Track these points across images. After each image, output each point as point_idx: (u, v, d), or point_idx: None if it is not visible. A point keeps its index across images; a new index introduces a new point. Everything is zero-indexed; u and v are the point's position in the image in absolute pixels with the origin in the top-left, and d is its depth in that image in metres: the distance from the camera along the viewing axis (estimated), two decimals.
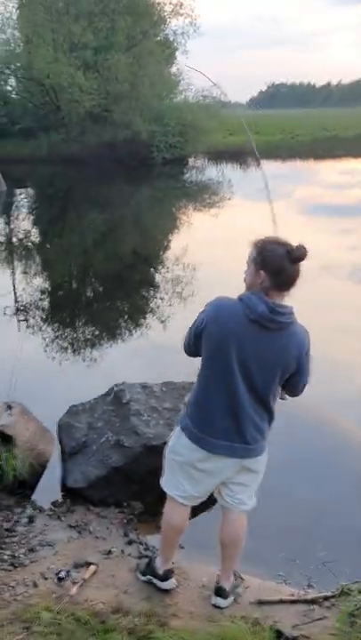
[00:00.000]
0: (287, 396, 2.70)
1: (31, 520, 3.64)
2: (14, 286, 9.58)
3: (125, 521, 3.69)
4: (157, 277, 10.49)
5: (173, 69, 33.13)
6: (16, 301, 8.67)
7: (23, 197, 22.04)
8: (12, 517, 3.66)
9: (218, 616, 2.89)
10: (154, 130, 27.46)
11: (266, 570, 3.31)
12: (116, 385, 4.29)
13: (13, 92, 32.22)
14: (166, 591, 3.02)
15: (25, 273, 10.75)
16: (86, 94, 27.30)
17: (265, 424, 2.65)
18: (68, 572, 3.08)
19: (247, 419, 2.57)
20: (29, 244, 13.86)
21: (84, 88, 27.19)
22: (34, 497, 3.92)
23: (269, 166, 31.74)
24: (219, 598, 2.95)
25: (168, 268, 10.80)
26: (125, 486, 3.82)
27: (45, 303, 8.99)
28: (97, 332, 7.75)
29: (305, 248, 2.44)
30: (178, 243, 13.16)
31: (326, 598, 3.05)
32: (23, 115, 29.54)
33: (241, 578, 3.12)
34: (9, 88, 31.93)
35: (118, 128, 27.54)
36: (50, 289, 9.90)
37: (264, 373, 2.51)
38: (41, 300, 9.03)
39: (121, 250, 12.90)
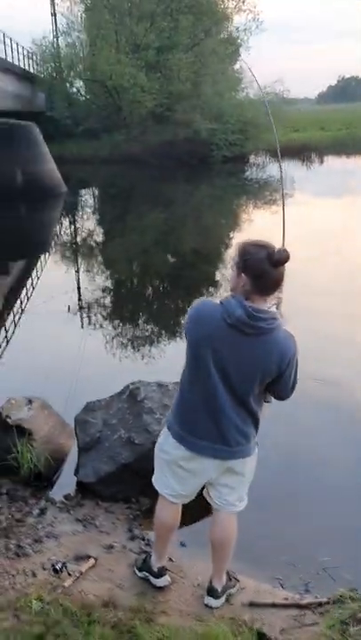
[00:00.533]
0: (272, 398, 2.67)
1: (42, 512, 3.76)
2: (76, 284, 9.88)
3: (132, 517, 3.76)
4: (217, 276, 10.50)
5: (237, 66, 32.98)
6: (79, 299, 8.95)
7: (86, 197, 22.63)
8: (25, 508, 3.79)
9: (207, 616, 2.90)
10: (214, 128, 27.44)
11: (264, 572, 3.29)
12: (132, 383, 4.35)
13: (79, 94, 33.06)
14: (160, 588, 3.06)
15: (87, 271, 11.10)
16: (148, 94, 27.65)
17: (249, 428, 2.63)
18: (64, 563, 3.17)
19: (228, 421, 2.56)
20: (92, 242, 14.24)
21: (145, 88, 27.56)
22: (48, 490, 4.04)
23: (334, 162, 31.15)
24: (210, 598, 2.96)
25: (228, 266, 10.79)
26: (134, 483, 3.87)
27: (105, 301, 9.23)
28: (148, 330, 7.91)
29: (286, 251, 2.40)
30: (239, 241, 13.13)
31: (320, 604, 3.00)
32: (87, 116, 30.23)
33: (236, 579, 3.11)
34: (74, 90, 32.79)
35: (179, 127, 27.73)
36: (108, 287, 10.14)
37: (243, 377, 2.50)
38: (101, 297, 9.29)
39: (181, 248, 13.00)
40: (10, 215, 17.29)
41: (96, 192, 23.54)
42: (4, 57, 23.65)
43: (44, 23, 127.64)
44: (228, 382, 2.51)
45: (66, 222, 17.33)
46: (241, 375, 2.49)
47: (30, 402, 4.38)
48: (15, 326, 7.82)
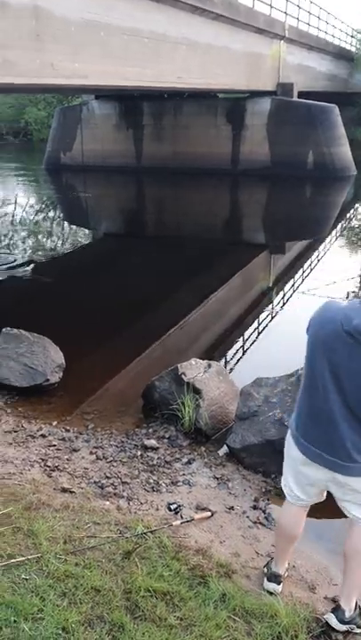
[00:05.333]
0: None
1: (189, 462, 4.24)
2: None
3: (263, 490, 3.98)
4: None
5: None
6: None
7: None
8: (176, 455, 4.32)
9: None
10: None
11: None
12: (301, 368, 4.48)
13: None
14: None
15: None
16: None
17: None
18: (179, 506, 3.60)
19: (341, 435, 2.43)
20: None
21: None
22: (203, 446, 4.48)
23: None
24: (332, 616, 2.74)
25: None
26: (276, 460, 4.04)
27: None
28: None
29: None
30: None
31: None
32: None
33: None
34: None
35: None
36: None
37: (357, 390, 2.35)
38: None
39: None
40: (294, 196, 17.83)
41: None
42: (317, 35, 23.84)
43: None
44: (343, 394, 2.38)
45: (355, 206, 17.06)
46: (355, 388, 2.35)
47: (210, 366, 4.85)
48: (283, 304, 8.37)
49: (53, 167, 22.68)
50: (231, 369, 6.14)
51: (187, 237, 13.26)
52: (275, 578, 2.99)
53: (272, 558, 3.11)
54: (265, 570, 3.08)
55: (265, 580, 3.02)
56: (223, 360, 6.49)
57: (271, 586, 2.97)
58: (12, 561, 2.82)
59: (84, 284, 9.33)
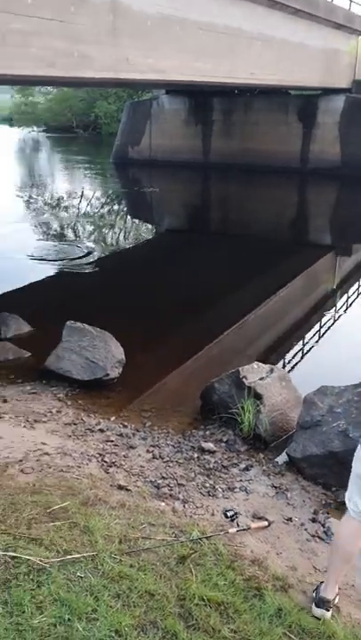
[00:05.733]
0: None
1: (247, 468, 4.16)
2: None
3: (323, 503, 3.86)
4: None
5: None
6: None
7: None
8: (234, 460, 4.25)
9: None
10: None
11: None
12: None
13: None
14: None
15: None
16: None
17: None
18: (236, 513, 3.53)
19: None
20: None
21: None
22: (261, 452, 4.39)
23: None
24: None
25: None
26: (337, 473, 3.93)
27: None
28: None
29: None
30: None
31: None
32: None
33: None
34: None
35: None
36: None
37: None
38: None
39: None
40: None
41: None
42: None
43: None
44: None
45: None
46: None
47: (272, 371, 4.75)
48: (347, 308, 8.18)
49: (121, 161, 22.90)
50: (289, 371, 6.01)
51: (251, 235, 13.12)
52: (323, 603, 2.80)
53: (322, 582, 2.95)
54: (313, 594, 2.93)
55: (313, 605, 2.85)
56: (282, 362, 6.37)
57: (319, 612, 2.81)
58: (68, 557, 2.82)
59: (145, 278, 9.37)
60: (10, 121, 44.30)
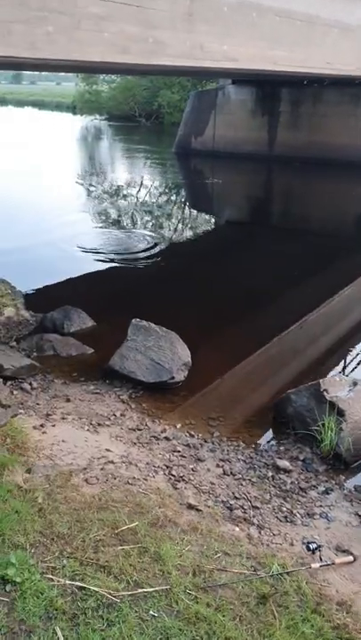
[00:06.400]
0: None
1: (327, 492, 3.81)
2: None
3: None
4: None
5: None
6: None
7: None
8: (312, 481, 3.90)
9: None
10: None
11: None
12: None
13: None
14: None
15: None
16: None
17: None
18: (319, 546, 3.19)
19: None
20: None
21: None
22: (342, 474, 4.03)
23: None
24: None
25: None
26: None
27: None
28: None
29: None
30: None
31: None
32: None
33: None
34: None
35: None
36: None
37: None
38: None
39: None
40: None
41: None
42: None
43: None
44: None
45: None
46: None
47: (355, 384, 4.37)
48: None
49: (183, 151, 22.57)
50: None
51: (314, 230, 12.65)
52: None
53: None
54: None
55: None
56: (342, 363, 5.99)
57: None
58: (140, 591, 2.57)
59: (206, 272, 9.03)
60: (73, 109, 44.70)
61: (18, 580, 2.44)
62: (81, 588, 2.51)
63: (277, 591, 2.80)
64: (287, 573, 2.93)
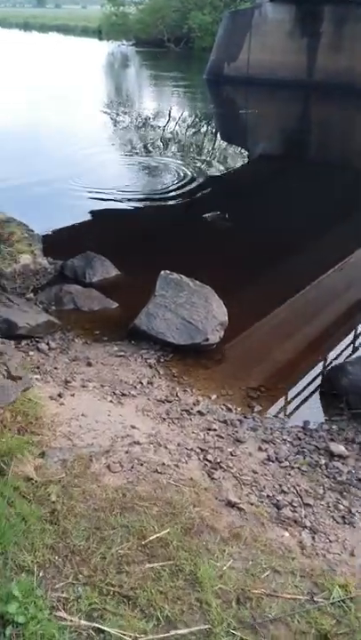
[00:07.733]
0: None
1: None
2: None
3: None
4: None
5: None
6: None
7: None
8: None
9: None
10: None
11: None
12: None
13: None
14: None
15: None
16: None
17: None
18: None
19: None
20: None
21: None
22: None
23: None
24: None
25: None
26: None
27: None
28: None
29: None
30: None
31: None
32: None
33: None
34: None
35: None
36: None
37: None
38: None
39: None
40: None
41: None
42: None
43: None
44: None
45: None
46: None
47: None
48: None
49: (214, 78, 21.14)
50: None
51: (353, 167, 11.63)
52: None
53: None
54: None
55: None
56: None
57: None
58: (172, 633, 2.06)
59: (239, 213, 8.17)
60: (99, 33, 42.53)
61: (21, 620, 1.95)
62: (99, 631, 2.01)
63: (340, 623, 2.28)
64: (351, 599, 2.41)
